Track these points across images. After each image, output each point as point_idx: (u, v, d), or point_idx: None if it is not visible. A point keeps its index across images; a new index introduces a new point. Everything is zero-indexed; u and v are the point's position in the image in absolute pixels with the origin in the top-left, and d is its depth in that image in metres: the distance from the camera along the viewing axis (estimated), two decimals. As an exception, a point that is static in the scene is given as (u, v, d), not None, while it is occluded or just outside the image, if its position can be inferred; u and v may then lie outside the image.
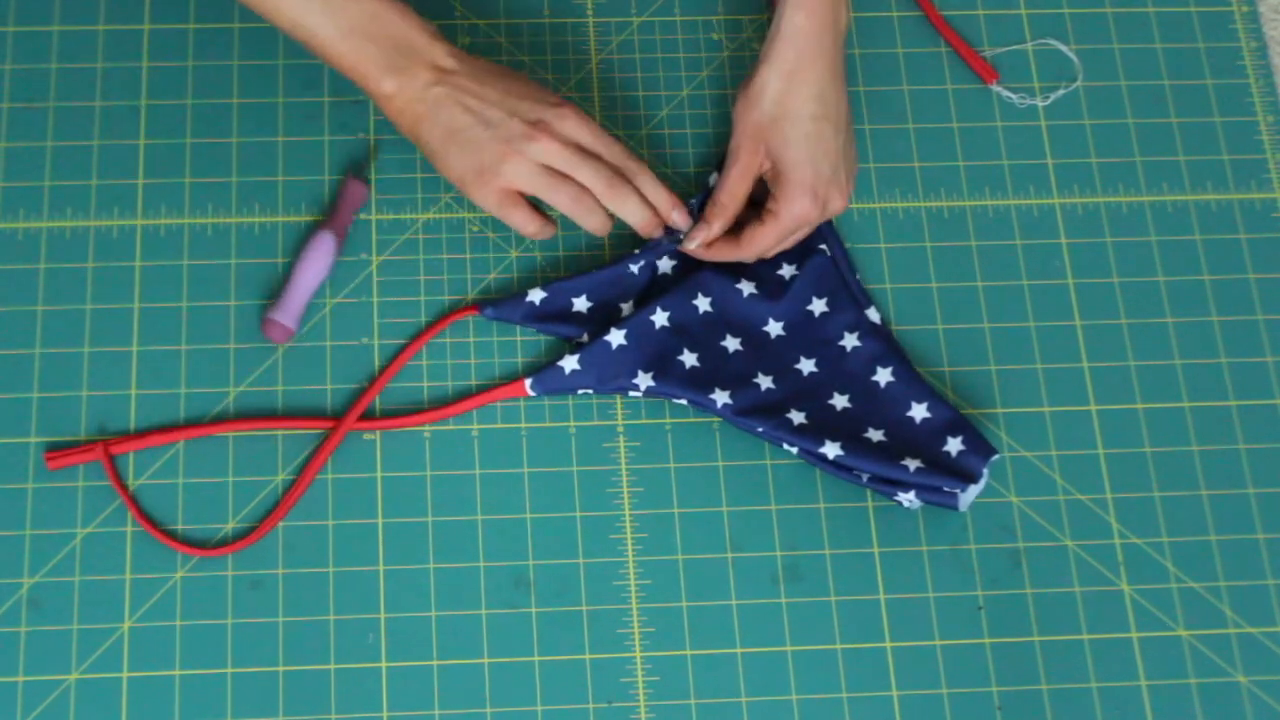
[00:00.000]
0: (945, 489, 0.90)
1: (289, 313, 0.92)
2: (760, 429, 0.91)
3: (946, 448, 0.91)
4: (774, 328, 0.95)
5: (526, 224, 0.91)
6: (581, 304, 0.94)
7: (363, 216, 0.97)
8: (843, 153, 0.93)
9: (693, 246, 0.94)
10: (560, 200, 0.90)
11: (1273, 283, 0.99)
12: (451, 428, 0.93)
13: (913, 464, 0.89)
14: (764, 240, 0.93)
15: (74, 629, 0.87)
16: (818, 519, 0.92)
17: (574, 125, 0.90)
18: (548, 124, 0.89)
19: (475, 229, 0.98)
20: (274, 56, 1.01)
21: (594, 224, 0.91)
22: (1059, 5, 1.06)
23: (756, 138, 0.92)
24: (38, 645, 0.87)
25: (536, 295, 0.94)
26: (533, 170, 0.89)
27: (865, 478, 0.91)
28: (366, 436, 0.92)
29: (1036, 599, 0.91)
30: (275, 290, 0.95)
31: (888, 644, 0.89)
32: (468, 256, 0.97)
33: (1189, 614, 0.91)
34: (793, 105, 0.91)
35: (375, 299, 0.95)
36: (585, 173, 0.90)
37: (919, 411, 0.92)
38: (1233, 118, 1.04)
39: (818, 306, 0.95)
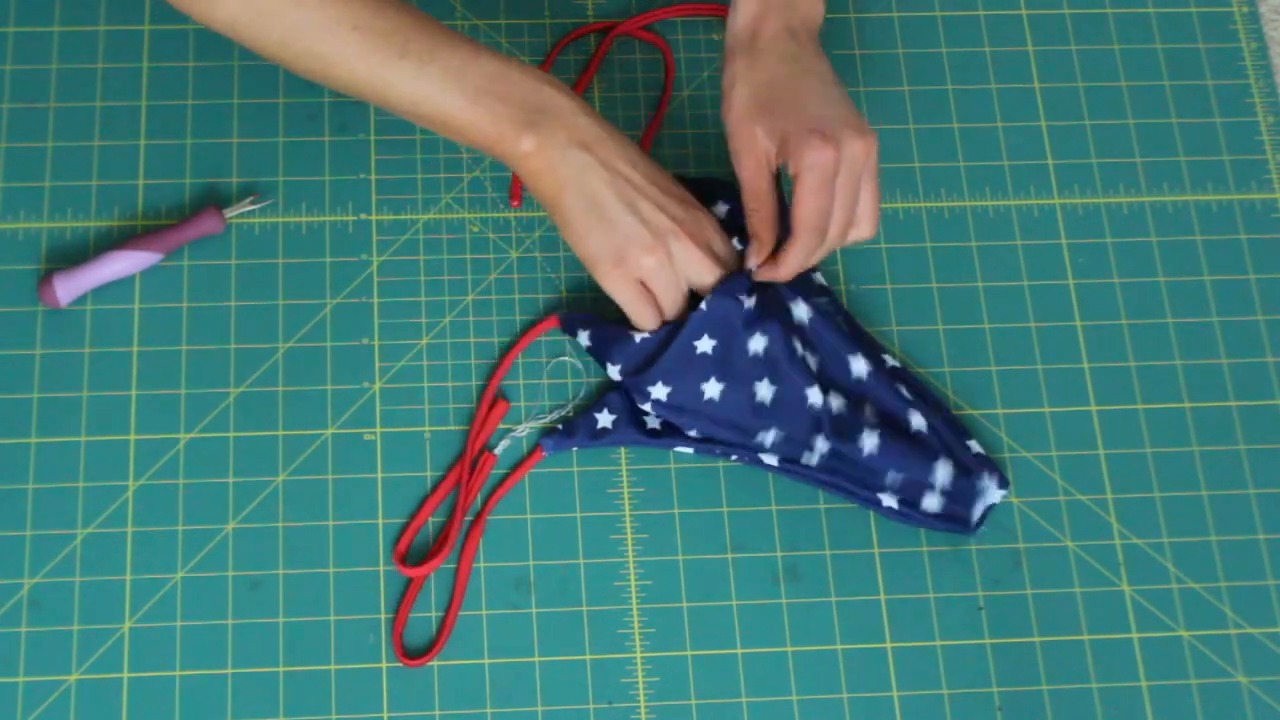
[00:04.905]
0: (960, 514, 0.91)
1: (70, 288, 0.92)
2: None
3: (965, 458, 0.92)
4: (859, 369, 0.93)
5: (649, 320, 0.89)
6: (659, 391, 0.90)
7: (363, 216, 0.97)
8: (836, 95, 0.88)
9: (755, 265, 0.89)
10: (669, 302, 0.89)
11: (1273, 283, 0.99)
12: (451, 428, 0.93)
13: (935, 500, 0.90)
14: (806, 210, 0.86)
15: (74, 629, 0.87)
16: (818, 519, 0.92)
17: (709, 230, 0.89)
18: (690, 225, 0.88)
19: (475, 229, 0.98)
20: (274, 56, 1.01)
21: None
22: (1059, 5, 1.06)
23: (748, 127, 0.88)
24: (38, 645, 0.87)
25: (606, 419, 0.92)
26: (666, 268, 0.87)
27: (888, 495, 0.91)
28: (367, 437, 0.92)
29: (1037, 599, 0.91)
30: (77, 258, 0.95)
31: (888, 644, 0.89)
32: (468, 257, 0.97)
33: (1189, 614, 0.91)
34: (764, 74, 0.88)
35: (375, 299, 0.95)
36: (710, 281, 0.88)
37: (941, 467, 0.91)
38: (1233, 118, 1.04)
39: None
